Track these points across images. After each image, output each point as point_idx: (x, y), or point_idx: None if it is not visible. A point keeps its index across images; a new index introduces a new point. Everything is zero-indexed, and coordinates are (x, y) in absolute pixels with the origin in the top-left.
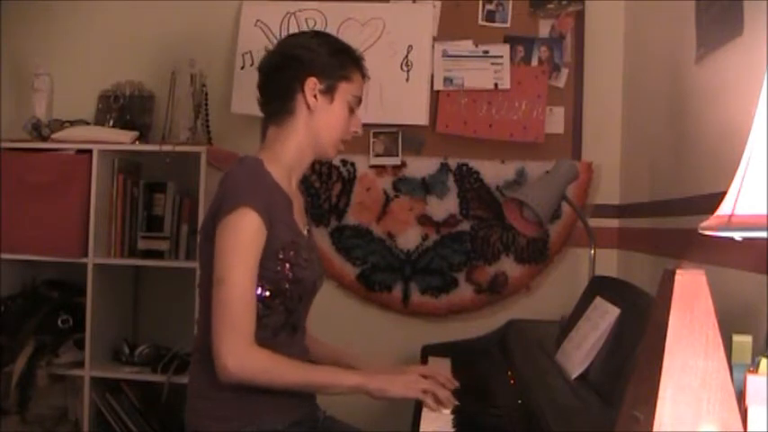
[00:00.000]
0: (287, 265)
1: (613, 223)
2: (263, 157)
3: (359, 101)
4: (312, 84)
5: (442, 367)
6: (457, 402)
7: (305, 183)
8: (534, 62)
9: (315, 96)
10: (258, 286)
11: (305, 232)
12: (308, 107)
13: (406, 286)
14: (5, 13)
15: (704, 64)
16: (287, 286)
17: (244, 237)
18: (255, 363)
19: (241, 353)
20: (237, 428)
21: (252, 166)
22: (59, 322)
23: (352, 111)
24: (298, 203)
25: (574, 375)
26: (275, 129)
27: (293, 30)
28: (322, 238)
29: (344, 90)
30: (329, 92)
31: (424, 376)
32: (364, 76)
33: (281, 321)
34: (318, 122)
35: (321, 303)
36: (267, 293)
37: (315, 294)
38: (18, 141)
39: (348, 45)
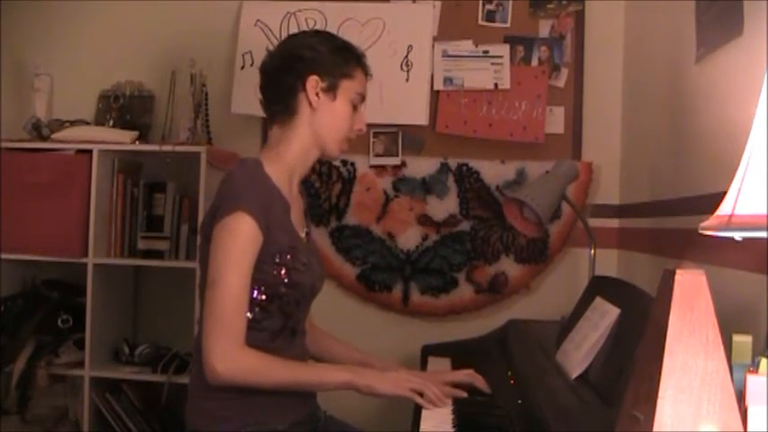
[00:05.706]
0: (283, 270)
1: (613, 223)
2: (264, 158)
3: (362, 98)
4: (314, 82)
5: (442, 368)
6: (451, 403)
7: (305, 183)
8: (534, 62)
9: (317, 94)
10: (254, 289)
11: (303, 235)
12: (311, 105)
13: (406, 286)
14: (5, 13)
15: (704, 64)
16: (283, 290)
17: (239, 240)
18: (243, 364)
19: (230, 355)
20: (238, 428)
21: (251, 169)
22: (59, 322)
23: (355, 108)
24: (297, 206)
25: (574, 375)
26: (279, 129)
27: (293, 30)
28: (322, 238)
29: (347, 88)
30: (331, 90)
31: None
32: (367, 73)
33: (278, 325)
34: (321, 121)
35: (321, 303)
36: (263, 297)
37: (314, 297)
38: (18, 141)
39: (350, 43)
